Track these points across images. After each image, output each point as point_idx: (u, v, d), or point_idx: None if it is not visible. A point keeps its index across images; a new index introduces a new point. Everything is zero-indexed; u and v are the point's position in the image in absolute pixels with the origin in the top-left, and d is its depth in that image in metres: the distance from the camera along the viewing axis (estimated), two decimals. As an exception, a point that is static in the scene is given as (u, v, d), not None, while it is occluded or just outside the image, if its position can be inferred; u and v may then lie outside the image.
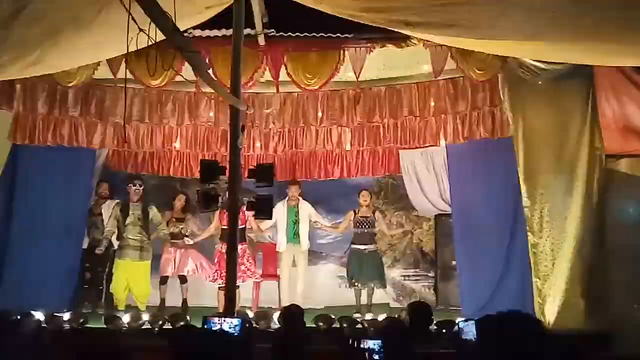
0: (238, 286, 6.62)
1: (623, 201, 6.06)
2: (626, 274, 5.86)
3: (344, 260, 8.33)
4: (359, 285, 7.51)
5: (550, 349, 2.12)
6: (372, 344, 3.40)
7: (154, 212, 7.60)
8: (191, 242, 7.74)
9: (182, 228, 7.75)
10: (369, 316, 6.97)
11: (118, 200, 7.70)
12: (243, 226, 7.25)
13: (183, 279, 7.70)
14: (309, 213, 7.89)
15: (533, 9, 4.27)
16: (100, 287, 7.63)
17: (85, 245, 7.70)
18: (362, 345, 3.45)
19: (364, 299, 7.56)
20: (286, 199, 7.88)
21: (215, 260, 7.35)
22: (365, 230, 7.60)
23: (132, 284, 7.47)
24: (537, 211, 6.21)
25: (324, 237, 8.68)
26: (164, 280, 7.63)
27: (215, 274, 7.23)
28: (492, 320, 2.12)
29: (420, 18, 4.61)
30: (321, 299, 8.01)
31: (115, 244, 7.65)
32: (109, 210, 7.67)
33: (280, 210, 7.71)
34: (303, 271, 7.83)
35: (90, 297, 7.64)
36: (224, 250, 7.02)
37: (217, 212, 7.28)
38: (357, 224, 7.63)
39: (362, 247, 7.57)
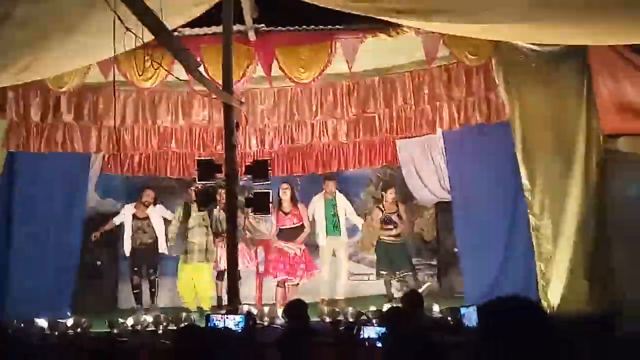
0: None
1: (622, 180, 6.03)
2: (628, 253, 5.85)
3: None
4: (389, 275, 7.70)
5: (551, 333, 2.09)
6: (372, 332, 3.40)
7: (219, 212, 7.66)
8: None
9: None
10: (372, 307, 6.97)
11: (185, 201, 7.86)
12: (300, 223, 7.55)
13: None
14: (345, 207, 8.00)
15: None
16: (153, 290, 7.85)
17: (128, 251, 7.87)
18: (361, 335, 3.44)
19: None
20: (322, 192, 7.99)
21: (273, 257, 7.55)
22: (392, 225, 7.80)
23: (198, 286, 7.64)
24: (537, 193, 6.19)
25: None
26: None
27: (274, 270, 7.41)
28: (491, 306, 2.09)
29: (410, 5, 4.57)
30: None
31: (162, 247, 7.83)
32: (157, 215, 7.91)
33: (317, 204, 7.91)
34: (345, 263, 7.99)
35: (91, 301, 7.67)
36: (283, 248, 7.38)
37: (275, 212, 7.46)
38: (385, 221, 7.84)
39: (388, 239, 7.81)
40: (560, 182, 6.10)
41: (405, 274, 7.75)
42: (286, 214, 7.60)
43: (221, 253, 7.54)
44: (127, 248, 7.89)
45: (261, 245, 8.09)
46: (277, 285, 7.54)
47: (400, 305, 4.99)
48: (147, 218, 7.90)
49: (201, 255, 7.56)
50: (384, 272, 7.77)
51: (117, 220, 7.99)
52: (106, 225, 7.99)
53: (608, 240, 5.95)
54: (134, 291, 7.86)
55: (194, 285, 7.64)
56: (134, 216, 7.90)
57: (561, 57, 6.06)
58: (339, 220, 7.90)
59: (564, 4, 4.36)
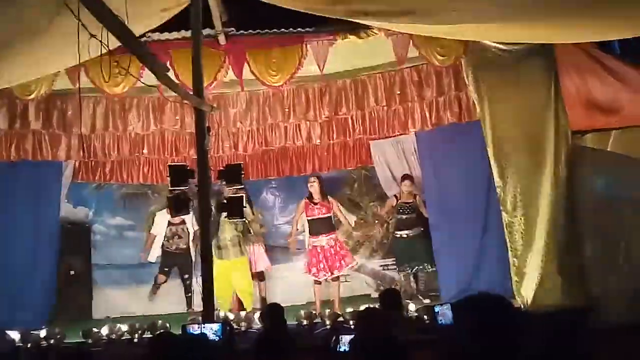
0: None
1: (591, 176, 6.14)
2: (599, 247, 5.95)
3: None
4: (409, 269, 7.61)
5: (523, 329, 2.12)
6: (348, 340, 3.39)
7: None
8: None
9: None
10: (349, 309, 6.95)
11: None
12: (329, 214, 7.39)
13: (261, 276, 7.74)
14: (339, 207, 7.86)
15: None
16: (189, 295, 7.70)
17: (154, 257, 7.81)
18: (339, 347, 3.45)
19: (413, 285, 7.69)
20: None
21: (309, 255, 7.42)
22: (408, 216, 7.67)
23: (236, 281, 7.46)
24: (509, 190, 6.28)
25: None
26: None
27: (312, 268, 7.25)
28: (463, 303, 2.12)
29: (378, 7, 4.60)
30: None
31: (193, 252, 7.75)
32: (191, 219, 7.70)
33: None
34: None
35: (65, 311, 7.55)
36: (316, 244, 7.26)
37: (302, 204, 7.42)
38: (400, 210, 7.71)
39: (406, 232, 7.68)
40: (530, 178, 6.19)
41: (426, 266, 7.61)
42: (315, 204, 7.42)
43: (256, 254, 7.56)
44: (153, 255, 7.81)
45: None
46: (315, 283, 7.35)
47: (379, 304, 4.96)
48: (183, 222, 7.81)
49: (236, 250, 7.41)
50: (404, 267, 7.68)
51: (154, 232, 7.90)
52: (149, 243, 7.91)
53: (579, 235, 6.05)
54: (154, 285, 7.78)
55: (231, 283, 7.45)
56: (169, 222, 7.80)
57: (529, 55, 6.17)
58: None
59: (529, 4, 4.42)
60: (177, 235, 7.81)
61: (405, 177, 7.79)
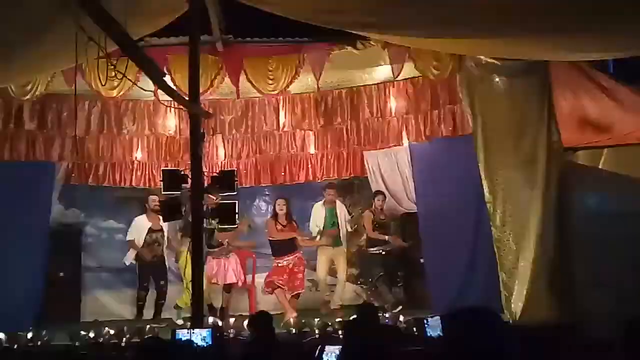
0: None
1: (582, 193, 6.17)
2: (588, 263, 5.97)
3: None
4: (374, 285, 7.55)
5: (511, 342, 2.14)
6: (334, 353, 3.40)
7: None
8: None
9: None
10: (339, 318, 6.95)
11: None
12: (292, 238, 7.36)
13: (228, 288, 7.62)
14: (345, 215, 7.88)
15: (487, 7, 4.33)
16: (162, 302, 7.61)
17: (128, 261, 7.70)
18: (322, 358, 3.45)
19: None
20: (322, 201, 7.81)
21: (271, 271, 7.37)
22: (382, 232, 7.64)
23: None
24: (499, 206, 6.29)
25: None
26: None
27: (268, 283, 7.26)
28: (451, 316, 2.14)
29: (375, 19, 4.64)
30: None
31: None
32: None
33: (319, 212, 7.73)
34: (344, 272, 7.82)
35: (54, 314, 7.48)
36: (281, 264, 7.27)
37: (271, 224, 7.38)
38: (375, 227, 7.64)
39: (376, 249, 7.61)
40: (521, 194, 6.21)
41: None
42: (284, 226, 7.38)
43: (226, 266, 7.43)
44: (128, 259, 7.67)
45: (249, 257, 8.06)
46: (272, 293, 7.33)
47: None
48: (162, 230, 7.68)
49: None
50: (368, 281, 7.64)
51: (130, 237, 7.73)
52: (130, 250, 7.73)
53: (569, 251, 6.08)
54: (139, 303, 7.63)
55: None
56: (150, 229, 7.66)
57: (523, 72, 6.20)
58: (339, 229, 7.80)
59: (528, 20, 4.47)
60: (157, 242, 7.69)
61: (377, 192, 7.82)
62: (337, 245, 7.76)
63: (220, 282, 7.41)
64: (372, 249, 7.67)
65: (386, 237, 7.62)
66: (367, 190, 8.57)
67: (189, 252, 7.04)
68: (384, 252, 7.59)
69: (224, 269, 7.42)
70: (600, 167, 6.15)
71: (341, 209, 7.88)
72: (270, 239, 7.41)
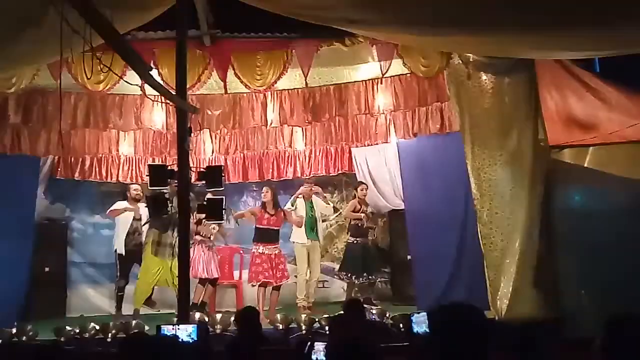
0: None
1: (567, 191, 6.22)
2: (573, 261, 6.03)
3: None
4: (352, 277, 7.60)
5: (495, 338, 2.16)
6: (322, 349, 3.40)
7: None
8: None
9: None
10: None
11: None
12: (278, 228, 7.39)
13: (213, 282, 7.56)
14: (321, 208, 7.90)
15: (472, 5, 4.34)
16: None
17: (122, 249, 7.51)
18: (312, 355, 3.45)
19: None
20: (300, 196, 7.79)
21: (251, 261, 7.34)
22: (362, 223, 7.69)
23: (162, 280, 7.22)
24: (486, 203, 6.31)
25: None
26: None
27: (253, 274, 7.22)
28: (436, 313, 2.16)
29: (362, 15, 4.63)
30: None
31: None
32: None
33: (300, 203, 7.73)
34: (318, 266, 7.88)
35: (39, 308, 7.43)
36: (260, 251, 7.25)
37: (257, 210, 7.41)
38: (356, 218, 7.70)
39: (356, 239, 7.69)
40: (508, 192, 6.23)
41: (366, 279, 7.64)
42: (271, 215, 7.37)
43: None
44: (120, 246, 7.50)
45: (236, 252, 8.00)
46: (260, 286, 7.27)
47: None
48: (141, 219, 7.54)
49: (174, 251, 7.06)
50: (346, 276, 7.69)
51: (118, 206, 7.55)
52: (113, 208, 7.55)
53: (554, 249, 6.13)
54: (118, 294, 7.49)
55: (156, 281, 7.26)
56: (134, 218, 7.53)
57: (510, 70, 6.22)
58: (316, 223, 7.82)
59: (515, 19, 4.48)
60: (138, 232, 7.60)
61: (360, 183, 7.91)
62: (314, 239, 7.78)
63: (200, 275, 7.35)
64: (352, 239, 7.74)
65: (362, 215, 7.69)
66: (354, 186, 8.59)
67: (153, 245, 7.14)
68: (369, 243, 7.73)
69: (204, 262, 7.39)
70: (585, 165, 6.19)
71: (317, 203, 7.89)
72: (259, 226, 7.40)
